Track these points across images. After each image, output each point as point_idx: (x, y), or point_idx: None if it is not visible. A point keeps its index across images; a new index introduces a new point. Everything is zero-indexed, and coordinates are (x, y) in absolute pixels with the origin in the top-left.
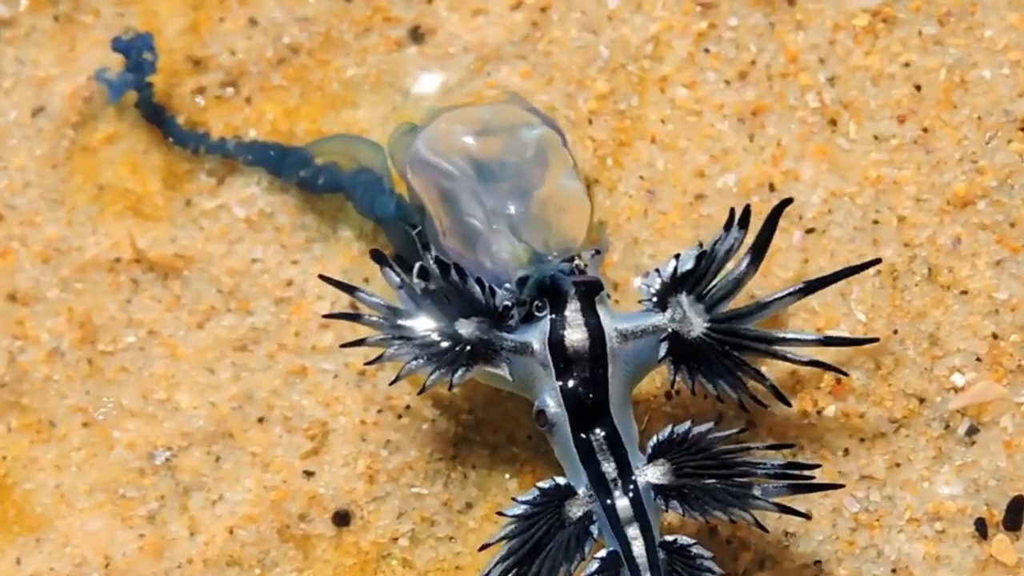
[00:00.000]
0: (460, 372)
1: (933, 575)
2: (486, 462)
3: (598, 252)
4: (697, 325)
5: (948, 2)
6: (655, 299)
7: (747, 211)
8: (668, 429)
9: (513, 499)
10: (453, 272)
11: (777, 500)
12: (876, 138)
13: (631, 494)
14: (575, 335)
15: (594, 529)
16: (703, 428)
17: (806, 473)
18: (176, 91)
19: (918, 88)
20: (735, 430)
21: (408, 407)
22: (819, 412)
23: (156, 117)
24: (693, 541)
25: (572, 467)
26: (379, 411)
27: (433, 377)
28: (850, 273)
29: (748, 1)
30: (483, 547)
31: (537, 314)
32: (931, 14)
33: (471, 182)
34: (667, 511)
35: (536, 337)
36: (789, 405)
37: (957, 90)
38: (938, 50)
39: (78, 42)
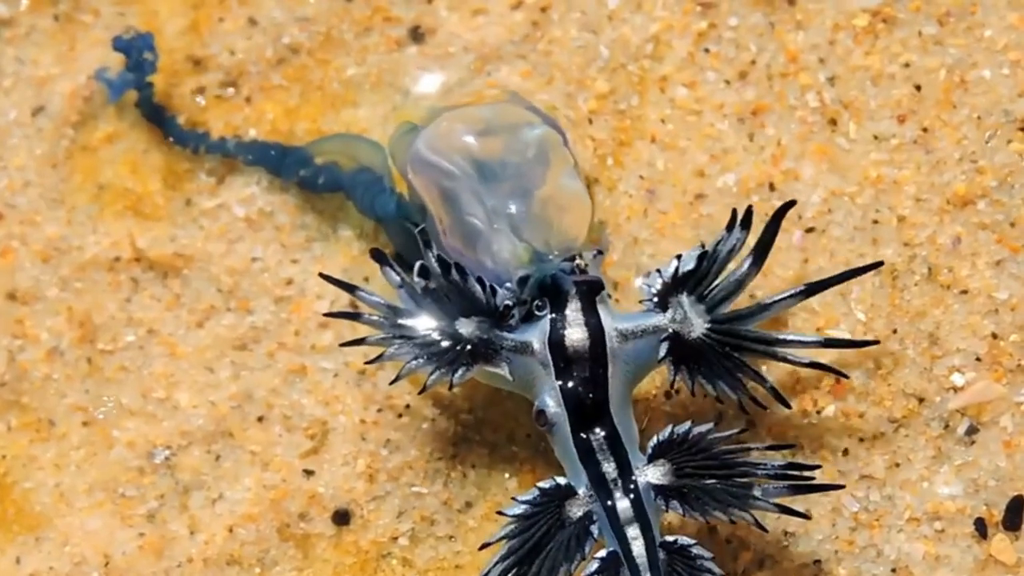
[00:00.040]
0: (460, 371)
1: (933, 575)
2: (486, 461)
3: (600, 252)
4: (698, 326)
5: (948, 2)
6: (656, 299)
7: (749, 212)
8: (668, 429)
9: (513, 499)
10: (454, 271)
11: (777, 500)
12: (876, 138)
13: (631, 494)
14: (575, 334)
15: (594, 529)
16: (703, 428)
17: (806, 474)
18: (176, 91)
19: (918, 88)
20: (735, 430)
21: (408, 406)
22: (819, 412)
23: (156, 117)
24: (693, 541)
25: (572, 467)
26: (379, 410)
27: (433, 377)
28: (851, 276)
29: (748, 1)
30: (483, 546)
31: (537, 313)
32: (931, 14)
33: (472, 181)
34: (667, 511)
35: (536, 336)
36: (789, 407)
37: (957, 90)
38: (938, 50)
39: (78, 41)
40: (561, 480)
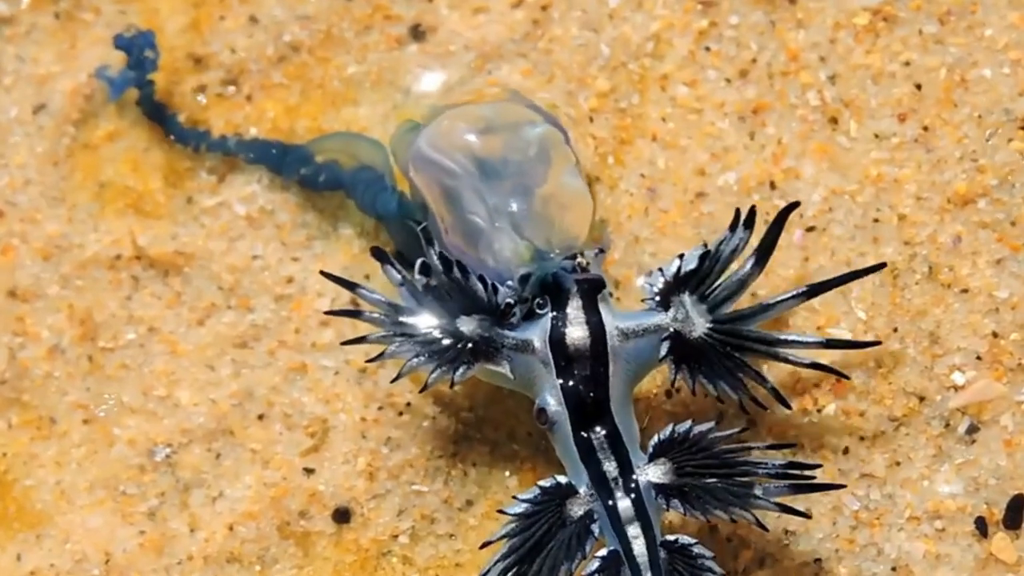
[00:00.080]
0: (462, 370)
1: (933, 573)
2: (486, 459)
3: (601, 251)
4: (699, 325)
5: (949, 1)
6: (658, 298)
7: (752, 212)
8: (669, 428)
9: (514, 497)
10: (455, 269)
11: (778, 500)
12: (877, 136)
13: (632, 493)
14: (576, 333)
15: (595, 528)
16: (704, 427)
17: (807, 473)
18: (177, 89)
19: (919, 87)
20: (736, 429)
21: (408, 404)
22: (819, 410)
23: (157, 115)
24: (694, 541)
25: (573, 466)
26: (379, 408)
27: (435, 375)
28: (854, 277)
29: None
30: (484, 545)
31: (539, 312)
32: (932, 13)
33: (474, 180)
34: (668, 510)
35: (537, 335)
36: (789, 408)
37: (957, 89)
38: (939, 49)
39: (79, 39)
40: (562, 479)
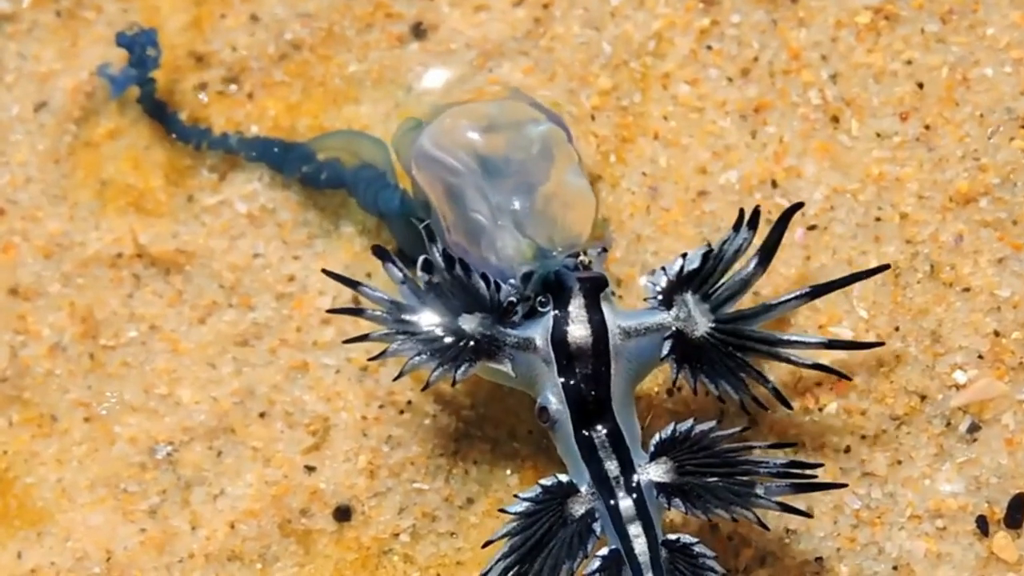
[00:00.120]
0: (463, 368)
1: (934, 572)
2: (487, 458)
3: (604, 250)
4: (702, 324)
5: (950, 0)
6: (660, 297)
7: (756, 212)
8: (671, 427)
9: (515, 496)
10: (457, 266)
11: (779, 499)
12: (878, 135)
13: (633, 492)
14: (578, 331)
15: (596, 527)
16: (706, 426)
17: (808, 472)
18: (178, 87)
19: (920, 86)
20: (737, 428)
21: (409, 402)
22: (820, 409)
23: (158, 113)
24: (695, 540)
25: (574, 464)
26: (380, 406)
27: (437, 373)
28: (857, 279)
29: None
30: (486, 544)
31: (541, 310)
32: (933, 12)
33: (476, 178)
34: (669, 509)
35: (539, 333)
36: (791, 408)
37: (959, 88)
38: (940, 48)
39: (80, 37)
40: (563, 477)
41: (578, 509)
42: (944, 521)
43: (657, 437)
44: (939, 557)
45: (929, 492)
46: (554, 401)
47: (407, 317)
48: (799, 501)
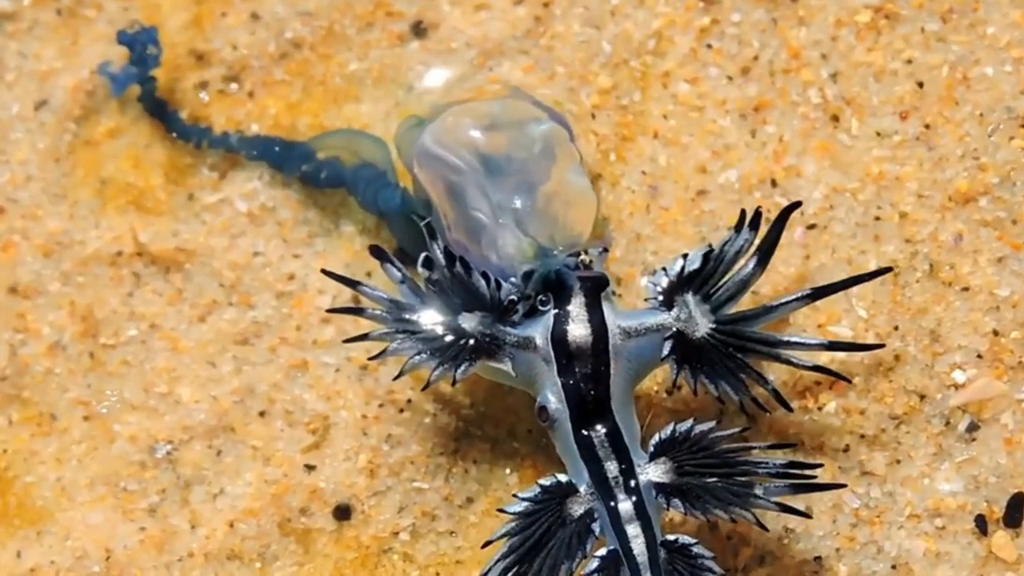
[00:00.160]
0: (463, 367)
1: (933, 571)
2: (487, 457)
3: (605, 249)
4: (702, 325)
5: None
6: (661, 297)
7: (757, 213)
8: (670, 427)
9: (514, 495)
10: (458, 264)
11: (778, 499)
12: (878, 134)
13: (632, 492)
14: (578, 330)
15: (595, 527)
16: (705, 427)
17: (807, 472)
18: (178, 85)
19: (920, 85)
20: (737, 429)
21: (409, 401)
22: (820, 408)
23: (159, 111)
24: (694, 540)
25: (573, 464)
26: (380, 405)
27: (437, 373)
28: (858, 281)
29: None
30: (485, 544)
31: (541, 309)
32: (933, 11)
33: (478, 176)
34: (668, 509)
35: (539, 332)
36: (790, 410)
37: (959, 87)
38: (940, 47)
39: (81, 36)
40: (562, 477)
41: (577, 509)
42: (943, 520)
43: (656, 437)
44: (938, 556)
45: (928, 491)
46: (553, 400)
47: (407, 316)
48: (798, 501)
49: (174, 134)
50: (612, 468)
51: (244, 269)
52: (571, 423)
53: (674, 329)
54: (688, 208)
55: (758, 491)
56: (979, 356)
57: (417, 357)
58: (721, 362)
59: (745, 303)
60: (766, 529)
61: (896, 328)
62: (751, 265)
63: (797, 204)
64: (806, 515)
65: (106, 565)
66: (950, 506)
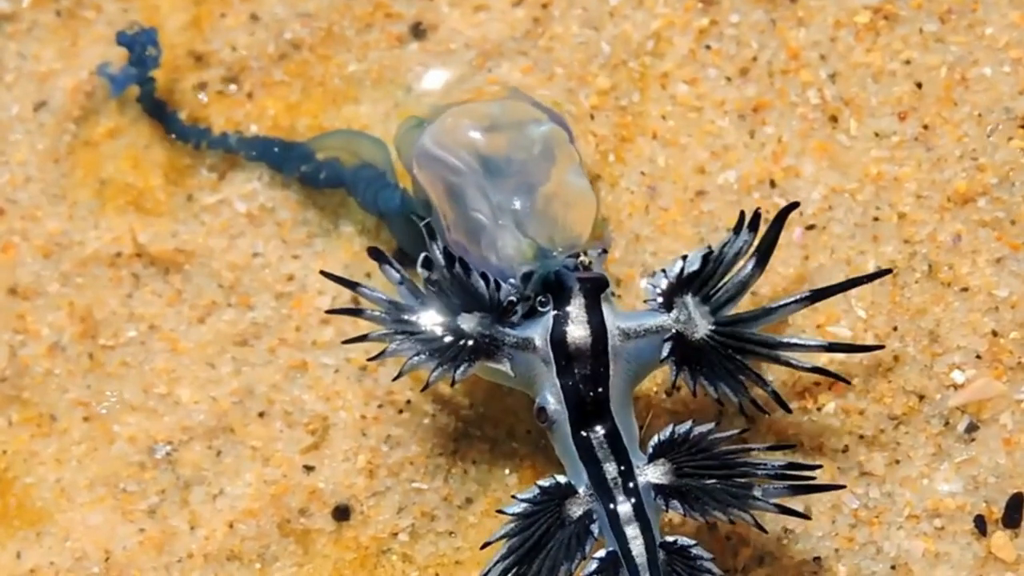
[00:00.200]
0: (463, 368)
1: (932, 572)
2: (486, 457)
3: (604, 251)
4: (701, 327)
5: (949, 0)
6: (660, 299)
7: (756, 215)
8: (669, 429)
9: (513, 496)
10: (457, 265)
11: (777, 500)
12: (877, 135)
13: (631, 494)
14: (577, 332)
15: (594, 528)
16: (704, 428)
17: (806, 474)
18: (178, 86)
19: (919, 85)
20: (736, 430)
21: (408, 402)
22: (819, 409)
23: (158, 112)
24: (693, 542)
25: (572, 465)
26: (379, 406)
27: (436, 374)
28: (857, 283)
29: None
30: (484, 546)
31: (540, 309)
32: (932, 11)
33: (477, 177)
34: (667, 510)
35: (538, 333)
36: (789, 411)
37: (958, 87)
38: (939, 47)
39: (80, 37)
40: (561, 478)
41: (576, 510)
42: (942, 521)
43: (656, 439)
44: (937, 556)
45: (927, 492)
46: (552, 401)
47: (406, 317)
48: (797, 502)
49: (173, 135)
50: (611, 469)
51: (243, 270)
52: (570, 424)
53: (673, 331)
54: (687, 209)
55: (757, 492)
56: (978, 356)
57: (416, 358)
58: (720, 364)
59: (744, 303)
60: (764, 531)
61: (895, 329)
62: (750, 266)
63: (795, 205)
64: (805, 516)
65: (105, 566)
66: (949, 506)
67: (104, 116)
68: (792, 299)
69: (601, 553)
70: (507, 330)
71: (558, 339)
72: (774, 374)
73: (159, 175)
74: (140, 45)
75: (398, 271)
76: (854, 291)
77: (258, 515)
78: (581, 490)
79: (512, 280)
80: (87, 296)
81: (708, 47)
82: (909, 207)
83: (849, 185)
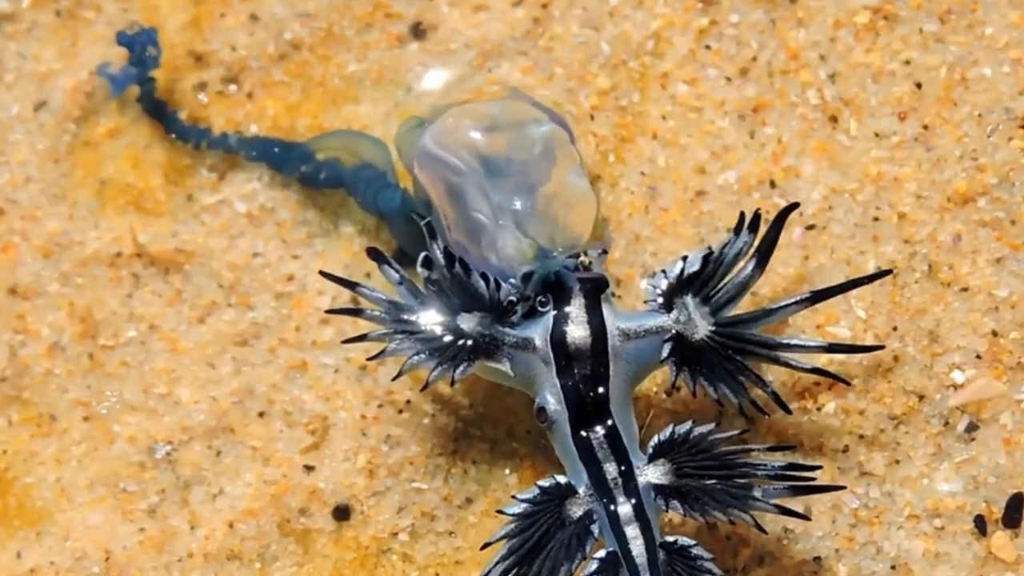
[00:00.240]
0: (462, 367)
1: (932, 572)
2: (486, 457)
3: (604, 251)
4: (702, 328)
5: (949, 0)
6: (660, 300)
7: (756, 215)
8: (669, 429)
9: (513, 497)
10: (458, 264)
11: (777, 501)
12: (877, 135)
13: (631, 494)
14: (577, 332)
15: (595, 528)
16: (704, 429)
17: (806, 474)
18: (178, 86)
19: (919, 85)
20: (736, 431)
21: (408, 402)
22: (819, 409)
23: (158, 112)
24: (693, 542)
25: (572, 465)
26: (379, 406)
27: (435, 373)
28: (857, 284)
29: None
30: (484, 546)
31: (540, 310)
32: (932, 12)
33: (478, 177)
34: (667, 511)
35: (538, 333)
36: (790, 412)
37: (958, 87)
38: (939, 47)
39: (80, 37)
40: (561, 479)
41: (576, 511)
42: (942, 521)
43: (656, 439)
44: (937, 556)
45: (927, 492)
46: (552, 401)
47: (406, 317)
48: (797, 502)
49: (173, 135)
50: (611, 470)
51: (243, 270)
52: (570, 424)
53: (673, 331)
54: (687, 209)
55: (757, 493)
56: (978, 356)
57: (416, 357)
58: (720, 364)
59: (744, 304)
60: (764, 531)
61: (895, 329)
62: (750, 267)
63: (795, 205)
64: (805, 517)
65: (105, 566)
66: (949, 506)
67: (104, 116)
68: (792, 300)
69: (601, 553)
70: (507, 330)
71: (558, 339)
72: (774, 375)
73: (159, 175)
74: (140, 45)
75: (397, 271)
76: (854, 291)
77: (258, 515)
78: (581, 490)
79: (512, 280)
80: (87, 296)
81: (708, 47)
82: (909, 207)
83: (849, 185)
